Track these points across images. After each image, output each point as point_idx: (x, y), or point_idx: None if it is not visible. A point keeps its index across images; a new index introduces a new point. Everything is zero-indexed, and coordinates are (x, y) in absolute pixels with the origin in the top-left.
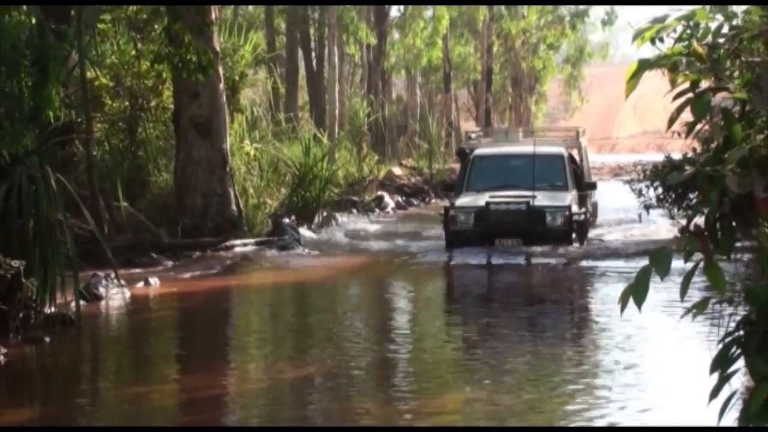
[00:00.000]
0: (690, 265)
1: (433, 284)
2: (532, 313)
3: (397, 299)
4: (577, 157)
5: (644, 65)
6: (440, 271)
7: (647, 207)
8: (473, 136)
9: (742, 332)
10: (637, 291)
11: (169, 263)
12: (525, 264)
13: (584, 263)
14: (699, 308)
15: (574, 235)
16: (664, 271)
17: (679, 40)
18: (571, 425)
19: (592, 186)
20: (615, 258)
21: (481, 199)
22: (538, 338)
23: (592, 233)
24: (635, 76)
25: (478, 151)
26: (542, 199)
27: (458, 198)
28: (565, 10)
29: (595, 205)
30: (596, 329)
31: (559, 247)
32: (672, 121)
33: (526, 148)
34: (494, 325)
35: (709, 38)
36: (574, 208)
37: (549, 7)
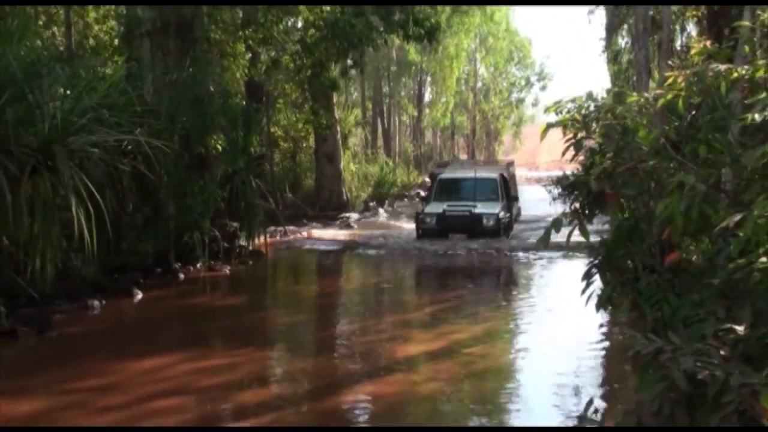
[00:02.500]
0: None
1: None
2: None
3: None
4: (508, 179)
5: (550, 125)
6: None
7: (554, 198)
8: (439, 164)
9: (597, 261)
10: (544, 239)
11: (312, 225)
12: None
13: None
14: (575, 250)
15: (501, 232)
16: (557, 229)
17: (568, 112)
18: (510, 326)
19: (516, 199)
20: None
21: (441, 208)
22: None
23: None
24: (545, 131)
25: (442, 175)
26: (480, 207)
27: (427, 206)
28: (513, 98)
29: (519, 209)
30: (515, 268)
31: (492, 240)
32: (564, 153)
33: (473, 174)
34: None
35: (583, 111)
36: (502, 214)
37: (505, 95)
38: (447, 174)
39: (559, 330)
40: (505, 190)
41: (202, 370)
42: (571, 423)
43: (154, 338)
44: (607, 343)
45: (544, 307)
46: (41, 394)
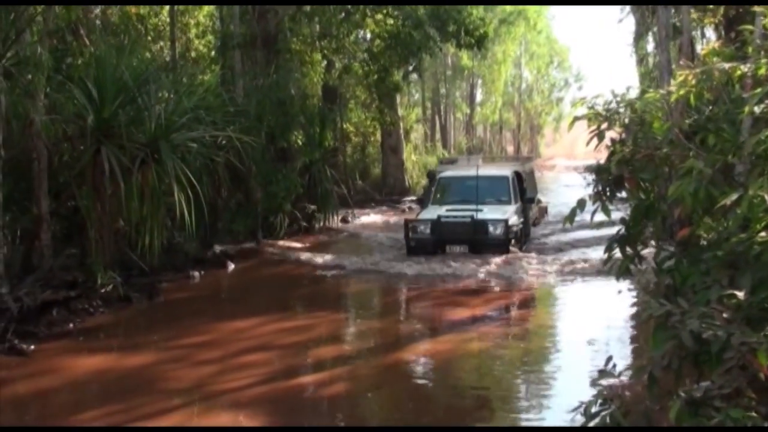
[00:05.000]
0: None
1: None
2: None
3: None
4: (524, 177)
5: (576, 118)
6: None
7: (588, 184)
8: (443, 161)
9: (618, 235)
10: (570, 217)
11: (378, 207)
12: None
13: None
14: (598, 226)
15: (513, 242)
16: (582, 209)
17: (591, 107)
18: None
19: (531, 200)
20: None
21: (437, 213)
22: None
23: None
24: (572, 123)
25: (442, 174)
26: (486, 212)
27: (423, 211)
28: (553, 97)
29: (544, 210)
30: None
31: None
32: (587, 143)
33: (480, 172)
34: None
35: (607, 106)
36: (513, 220)
37: (546, 94)
38: (448, 172)
39: (588, 303)
40: (520, 190)
41: (285, 329)
42: (595, 375)
43: (245, 303)
44: (630, 312)
45: (572, 288)
46: (151, 349)
